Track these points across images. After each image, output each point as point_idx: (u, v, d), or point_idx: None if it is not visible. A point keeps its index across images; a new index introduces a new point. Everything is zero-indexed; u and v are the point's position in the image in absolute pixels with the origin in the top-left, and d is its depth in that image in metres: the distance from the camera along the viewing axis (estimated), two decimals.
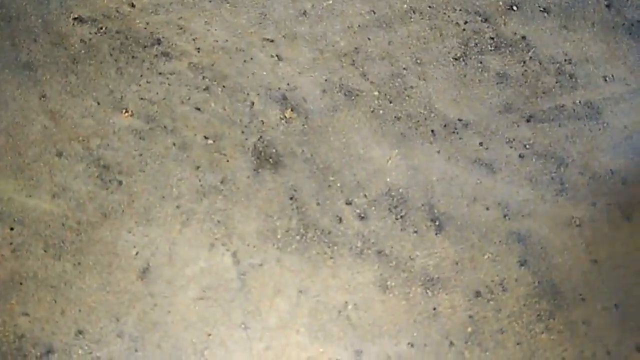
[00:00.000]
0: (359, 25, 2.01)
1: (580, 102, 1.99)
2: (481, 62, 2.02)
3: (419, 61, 2.01)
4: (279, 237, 1.85)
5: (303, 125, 1.94)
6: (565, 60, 2.02)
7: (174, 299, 1.79)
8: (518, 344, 1.85)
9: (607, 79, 2.02)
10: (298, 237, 1.86)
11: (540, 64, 2.02)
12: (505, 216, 1.91)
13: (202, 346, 1.77)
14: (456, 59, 2.02)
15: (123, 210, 1.81)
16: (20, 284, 1.77)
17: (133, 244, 1.79)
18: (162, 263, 1.80)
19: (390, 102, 1.97)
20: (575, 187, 1.93)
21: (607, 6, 2.08)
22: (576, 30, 2.05)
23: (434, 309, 1.84)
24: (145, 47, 1.95)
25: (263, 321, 1.80)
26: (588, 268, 1.88)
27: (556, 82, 2.01)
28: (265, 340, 1.79)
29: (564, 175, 1.94)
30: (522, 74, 2.02)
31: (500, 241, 1.89)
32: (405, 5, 2.04)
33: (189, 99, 1.93)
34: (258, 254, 1.84)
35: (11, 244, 1.78)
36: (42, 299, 1.76)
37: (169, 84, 1.93)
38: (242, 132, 1.91)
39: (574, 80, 2.01)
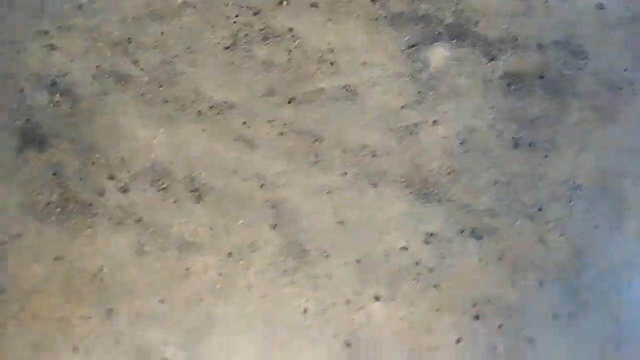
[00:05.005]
0: (132, 18, 2.20)
1: (338, 85, 2.21)
2: (249, 51, 2.22)
3: (190, 50, 2.20)
4: (39, 210, 1.99)
5: (71, 108, 2.10)
6: (328, 49, 2.25)
7: None
8: (264, 296, 2.03)
9: (365, 64, 2.26)
10: (58, 210, 2.00)
11: (305, 53, 2.24)
12: (261, 186, 2.11)
13: None
14: (226, 48, 2.22)
15: None
16: None
17: None
18: None
19: (160, 87, 2.15)
20: (328, 160, 2.15)
21: (372, 0, 2.32)
22: (341, 23, 2.28)
23: (187, 269, 2.01)
24: None
25: (19, 286, 1.93)
26: (334, 229, 2.09)
27: (317, 69, 2.23)
28: (20, 302, 1.92)
29: (319, 150, 2.16)
30: (287, 62, 2.23)
31: (254, 208, 2.08)
32: (180, 0, 2.23)
33: None
34: (18, 226, 1.98)
35: None
36: None
37: None
38: (10, 116, 2.05)
39: (334, 66, 2.24)
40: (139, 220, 2.03)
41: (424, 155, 2.18)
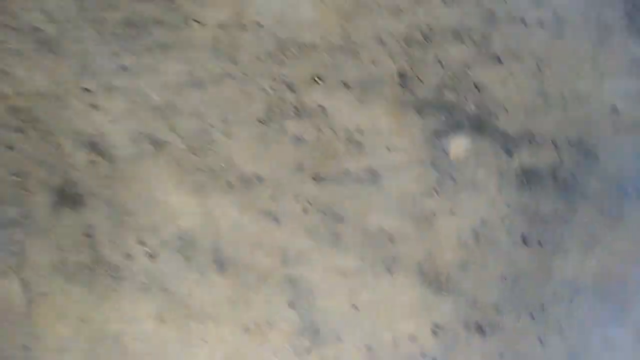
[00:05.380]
0: (174, 83, 2.27)
1: (363, 167, 2.31)
2: (282, 126, 2.31)
3: (225, 120, 2.28)
4: (69, 269, 2.07)
5: (108, 169, 2.17)
6: (356, 130, 2.34)
7: None
8: None
9: (390, 149, 2.35)
10: (87, 271, 2.08)
11: (334, 131, 2.33)
12: (282, 262, 2.19)
13: None
14: (260, 122, 2.31)
15: None
16: None
17: None
18: None
19: (194, 155, 2.23)
20: (348, 241, 2.24)
21: (401, 85, 2.42)
22: (370, 104, 2.37)
23: (205, 340, 2.09)
24: None
25: (44, 345, 2.00)
26: (348, 312, 2.18)
27: (345, 149, 2.32)
28: None
29: (340, 230, 2.25)
30: (317, 139, 2.32)
31: (274, 284, 2.17)
32: (221, 70, 2.32)
33: (2, 138, 2.13)
34: (47, 284, 2.05)
35: None
36: None
37: None
38: (49, 172, 2.13)
39: (361, 148, 2.33)
40: (164, 288, 2.10)
41: (438, 245, 2.28)
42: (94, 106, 2.20)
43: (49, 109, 2.16)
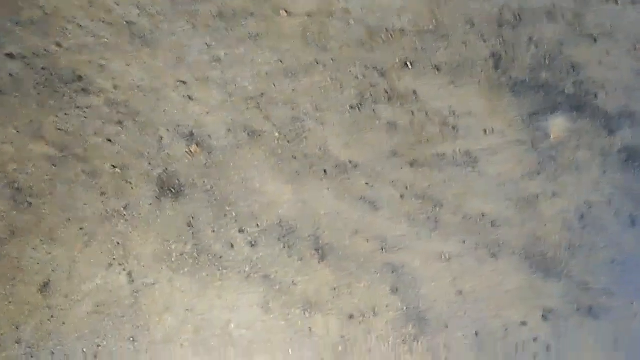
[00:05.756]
0: (266, 73, 2.26)
1: (459, 150, 2.23)
2: (374, 112, 2.26)
3: (318, 108, 2.25)
4: (173, 259, 2.06)
5: (206, 160, 2.16)
6: (450, 113, 2.27)
7: (70, 312, 1.98)
8: None
9: (486, 131, 2.28)
10: (191, 261, 2.07)
11: (427, 115, 2.27)
12: (382, 249, 2.14)
13: (91, 355, 1.96)
14: (352, 108, 2.26)
15: (30, 230, 2.01)
16: None
17: (37, 260, 1.99)
18: (62, 279, 2.00)
19: (289, 143, 2.21)
20: (448, 226, 2.17)
21: (495, 66, 2.34)
22: (463, 87, 2.30)
23: (310, 329, 2.05)
24: (67, 83, 2.18)
25: (150, 335, 1.99)
26: (453, 298, 2.11)
27: (439, 132, 2.25)
28: (151, 352, 1.98)
29: (439, 215, 2.18)
30: (410, 124, 2.26)
31: (375, 271, 2.11)
32: (311, 58, 2.29)
33: (102, 131, 2.15)
34: (152, 274, 2.05)
35: None
36: None
37: (85, 117, 2.15)
38: (149, 163, 2.13)
39: (456, 131, 2.26)
40: (266, 276, 2.07)
41: (543, 228, 2.18)
42: (190, 98, 2.19)
43: (147, 101, 2.17)
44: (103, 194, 2.05)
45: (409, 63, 2.28)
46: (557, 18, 2.31)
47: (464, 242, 2.13)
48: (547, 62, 2.31)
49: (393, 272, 2.07)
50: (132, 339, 1.91)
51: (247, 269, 2.03)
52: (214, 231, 2.05)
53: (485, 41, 2.30)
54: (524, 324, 2.08)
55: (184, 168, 2.12)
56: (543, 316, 2.10)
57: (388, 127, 2.23)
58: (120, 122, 2.15)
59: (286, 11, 2.22)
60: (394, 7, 2.25)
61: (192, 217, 2.06)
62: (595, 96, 2.29)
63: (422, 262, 2.10)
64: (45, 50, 2.16)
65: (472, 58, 2.28)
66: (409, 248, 2.11)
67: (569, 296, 2.10)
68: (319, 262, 2.06)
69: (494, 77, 2.30)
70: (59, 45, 2.16)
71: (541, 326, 2.08)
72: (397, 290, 2.06)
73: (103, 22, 2.19)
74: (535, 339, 2.07)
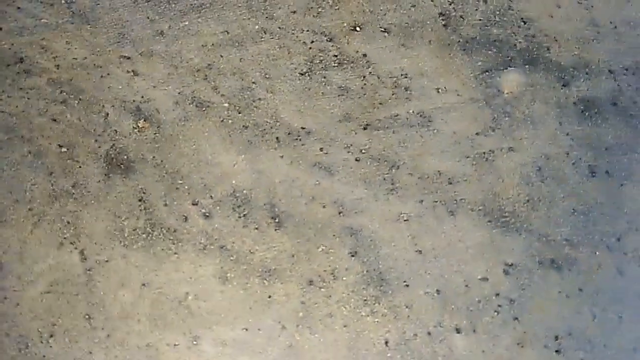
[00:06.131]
0: (212, 44, 2.22)
1: (413, 111, 2.22)
2: (325, 77, 2.24)
3: (267, 76, 2.22)
4: (126, 235, 2.03)
5: (155, 134, 2.13)
6: (401, 74, 2.25)
7: (23, 293, 1.95)
8: (345, 326, 2.04)
9: (439, 90, 2.26)
10: (144, 236, 2.03)
11: (379, 78, 2.25)
12: (340, 213, 2.12)
13: (47, 334, 1.92)
14: (302, 74, 2.24)
15: None
16: None
17: None
18: (13, 260, 1.96)
19: (239, 113, 2.18)
20: (405, 187, 2.15)
21: (444, 25, 2.32)
22: (414, 48, 2.29)
23: (269, 297, 2.02)
24: (8, 65, 2.13)
25: (106, 312, 1.96)
26: (413, 258, 2.09)
27: (392, 94, 2.24)
28: (108, 328, 1.95)
29: (395, 176, 2.16)
30: (362, 88, 2.24)
31: (334, 235, 2.09)
32: (257, 27, 2.26)
33: (46, 111, 2.11)
34: (105, 252, 2.01)
35: None
36: None
37: (28, 98, 2.10)
38: (96, 140, 2.09)
39: (408, 92, 2.24)
40: (222, 246, 2.05)
41: (500, 183, 2.17)
42: (135, 73, 2.16)
43: (91, 79, 2.13)
44: (50, 173, 2.01)
45: (357, 26, 2.26)
46: None
47: (422, 201, 2.12)
48: (497, 17, 2.30)
49: (352, 236, 2.06)
50: (87, 316, 1.88)
51: (202, 241, 2.00)
52: (166, 205, 2.02)
53: (433, 0, 2.28)
54: (485, 279, 2.07)
55: (133, 143, 2.09)
56: (504, 271, 2.09)
57: (340, 91, 2.21)
58: (64, 101, 2.11)
59: None
60: None
61: (144, 192, 2.03)
62: (548, 49, 2.28)
63: (381, 224, 2.08)
64: None
65: (421, 19, 2.27)
66: (367, 211, 2.10)
67: (531, 250, 2.09)
68: (275, 230, 2.04)
69: (444, 36, 2.28)
70: None
71: (502, 281, 2.07)
72: (356, 253, 2.04)
73: (42, 2, 2.14)
74: (497, 294, 2.06)
